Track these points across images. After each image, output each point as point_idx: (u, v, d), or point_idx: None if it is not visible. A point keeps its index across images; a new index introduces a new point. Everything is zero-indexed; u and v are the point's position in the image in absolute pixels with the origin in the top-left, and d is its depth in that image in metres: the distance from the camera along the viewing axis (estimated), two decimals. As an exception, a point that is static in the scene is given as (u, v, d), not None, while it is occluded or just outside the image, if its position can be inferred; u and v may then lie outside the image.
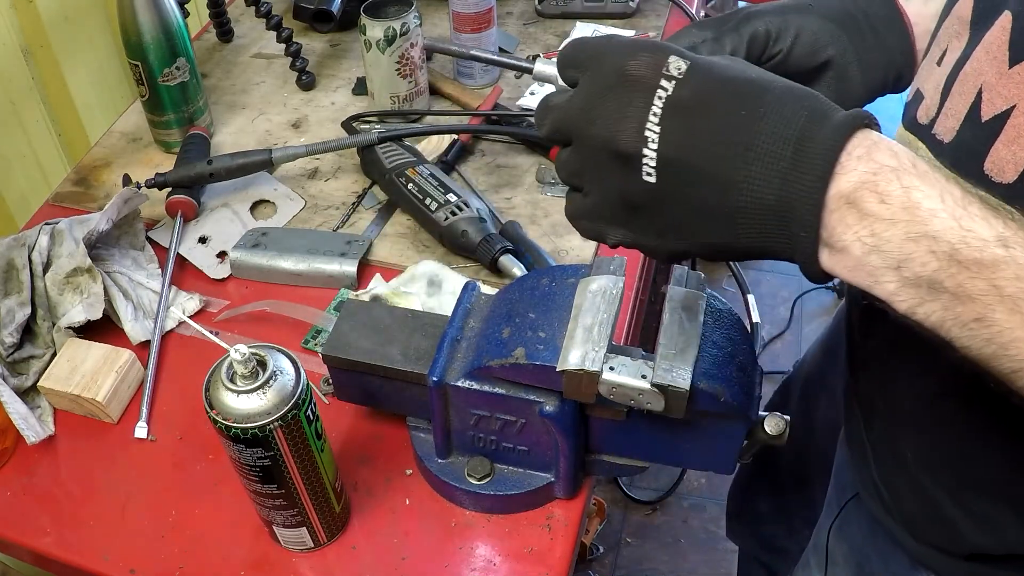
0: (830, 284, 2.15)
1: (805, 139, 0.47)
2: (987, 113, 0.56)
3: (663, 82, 0.48)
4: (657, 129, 0.48)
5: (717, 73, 0.49)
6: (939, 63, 0.64)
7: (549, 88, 1.26)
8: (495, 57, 0.68)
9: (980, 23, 0.59)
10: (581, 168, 0.54)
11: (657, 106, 0.48)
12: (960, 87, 0.59)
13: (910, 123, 0.66)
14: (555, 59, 0.62)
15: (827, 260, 0.48)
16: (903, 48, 0.71)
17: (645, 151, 0.49)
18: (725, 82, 0.49)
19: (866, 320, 0.79)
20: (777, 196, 0.47)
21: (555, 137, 0.54)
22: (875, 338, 0.77)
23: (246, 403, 0.66)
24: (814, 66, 0.70)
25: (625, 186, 0.51)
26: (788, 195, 0.47)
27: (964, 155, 0.58)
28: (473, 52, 0.65)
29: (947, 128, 0.60)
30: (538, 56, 0.65)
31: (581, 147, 0.53)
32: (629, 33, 1.37)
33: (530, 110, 1.24)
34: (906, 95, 0.70)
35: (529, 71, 0.67)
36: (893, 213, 0.45)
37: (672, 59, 0.48)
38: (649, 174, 0.49)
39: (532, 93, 1.27)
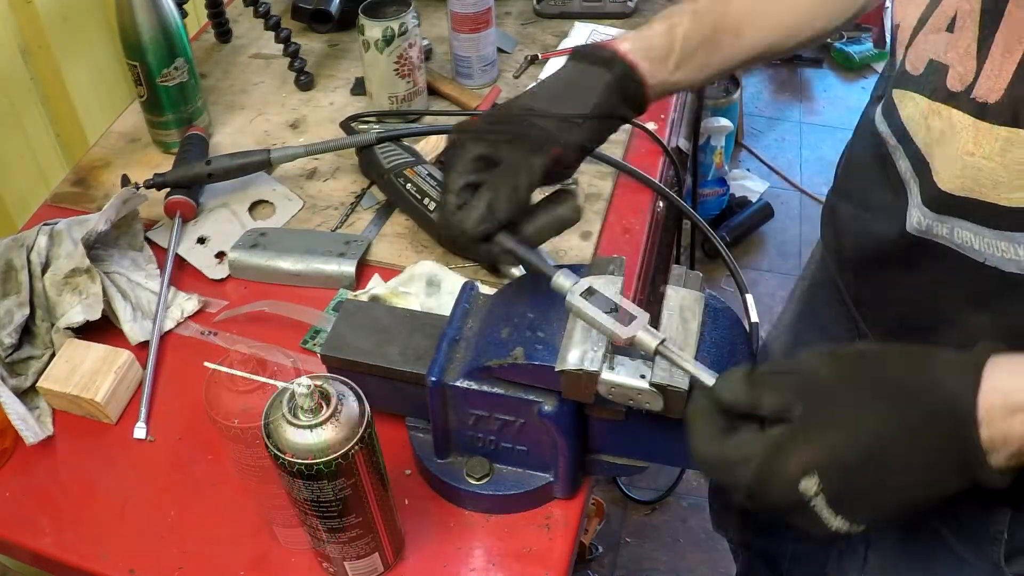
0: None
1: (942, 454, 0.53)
2: None
3: (811, 502, 0.53)
4: (840, 520, 0.54)
5: (841, 454, 0.53)
6: (950, 29, 0.65)
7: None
8: (529, 257, 0.71)
9: None
10: None
11: (826, 514, 0.54)
12: (1001, 46, 0.61)
13: (937, 93, 0.67)
14: (579, 281, 0.65)
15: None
16: None
17: (847, 530, 0.55)
18: (847, 455, 0.53)
19: (869, 300, 0.80)
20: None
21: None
22: (881, 315, 0.80)
23: (320, 435, 0.62)
24: None
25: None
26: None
27: (1022, 108, 0.61)
28: (534, 261, 0.71)
29: (993, 88, 0.62)
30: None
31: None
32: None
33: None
34: (905, 70, 0.70)
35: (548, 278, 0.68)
36: None
37: (803, 484, 0.53)
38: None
39: (531, 93, 1.27)
